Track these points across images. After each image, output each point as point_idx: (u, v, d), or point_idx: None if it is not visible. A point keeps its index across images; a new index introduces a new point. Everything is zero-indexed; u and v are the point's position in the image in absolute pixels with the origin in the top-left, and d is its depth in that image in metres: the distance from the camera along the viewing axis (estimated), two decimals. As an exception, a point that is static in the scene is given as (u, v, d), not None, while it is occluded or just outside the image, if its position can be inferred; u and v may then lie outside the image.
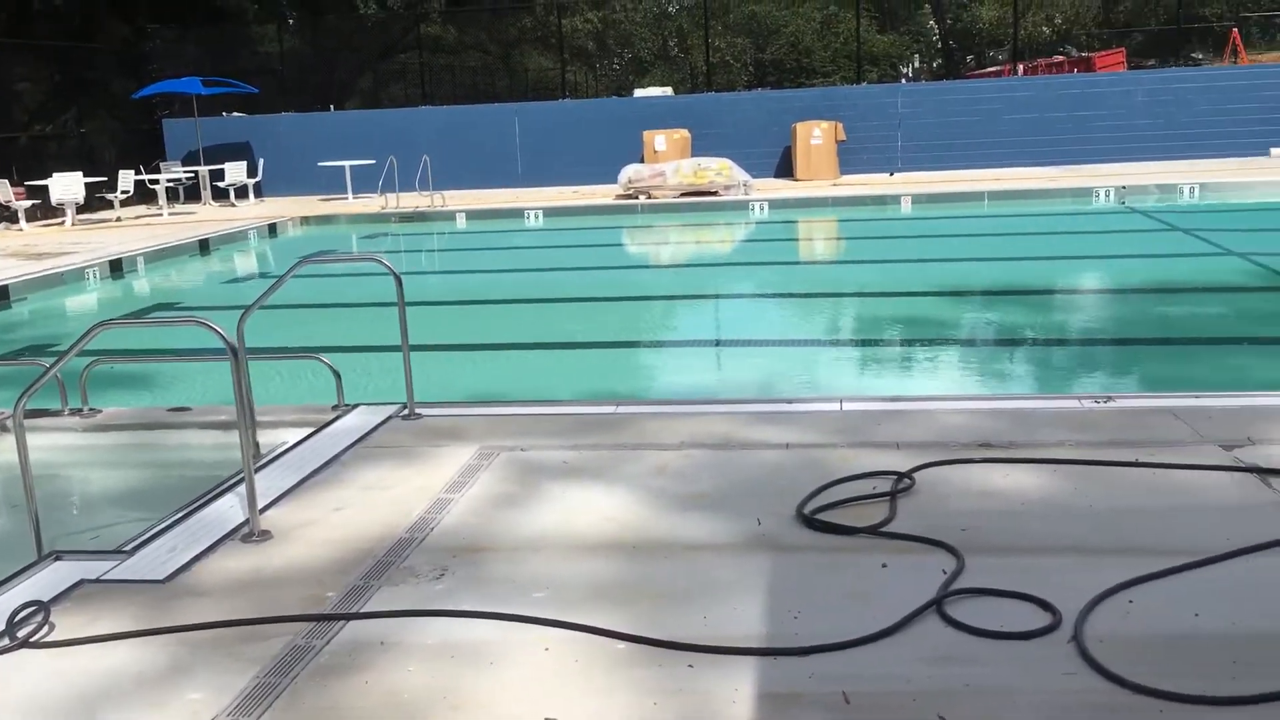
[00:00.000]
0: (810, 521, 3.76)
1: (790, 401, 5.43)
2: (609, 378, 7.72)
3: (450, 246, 16.02)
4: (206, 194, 20.23)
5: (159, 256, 13.78)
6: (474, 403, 5.76)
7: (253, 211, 18.45)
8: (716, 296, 11.23)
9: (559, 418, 5.22)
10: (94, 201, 18.64)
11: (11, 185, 16.83)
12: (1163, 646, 2.84)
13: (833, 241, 15.74)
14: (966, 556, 3.40)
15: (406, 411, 5.30)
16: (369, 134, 20.80)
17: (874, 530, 3.67)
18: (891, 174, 19.35)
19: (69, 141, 21.56)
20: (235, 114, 23.01)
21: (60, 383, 5.50)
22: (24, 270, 12.10)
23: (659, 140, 19.32)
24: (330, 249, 14.32)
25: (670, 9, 43.06)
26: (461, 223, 16.96)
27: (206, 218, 17.67)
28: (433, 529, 3.86)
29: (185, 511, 4.15)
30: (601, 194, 18.32)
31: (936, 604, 3.10)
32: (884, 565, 3.41)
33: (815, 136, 19.04)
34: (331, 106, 25.88)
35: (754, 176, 18.04)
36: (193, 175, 20.13)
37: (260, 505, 4.01)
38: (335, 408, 5.45)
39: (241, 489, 4.09)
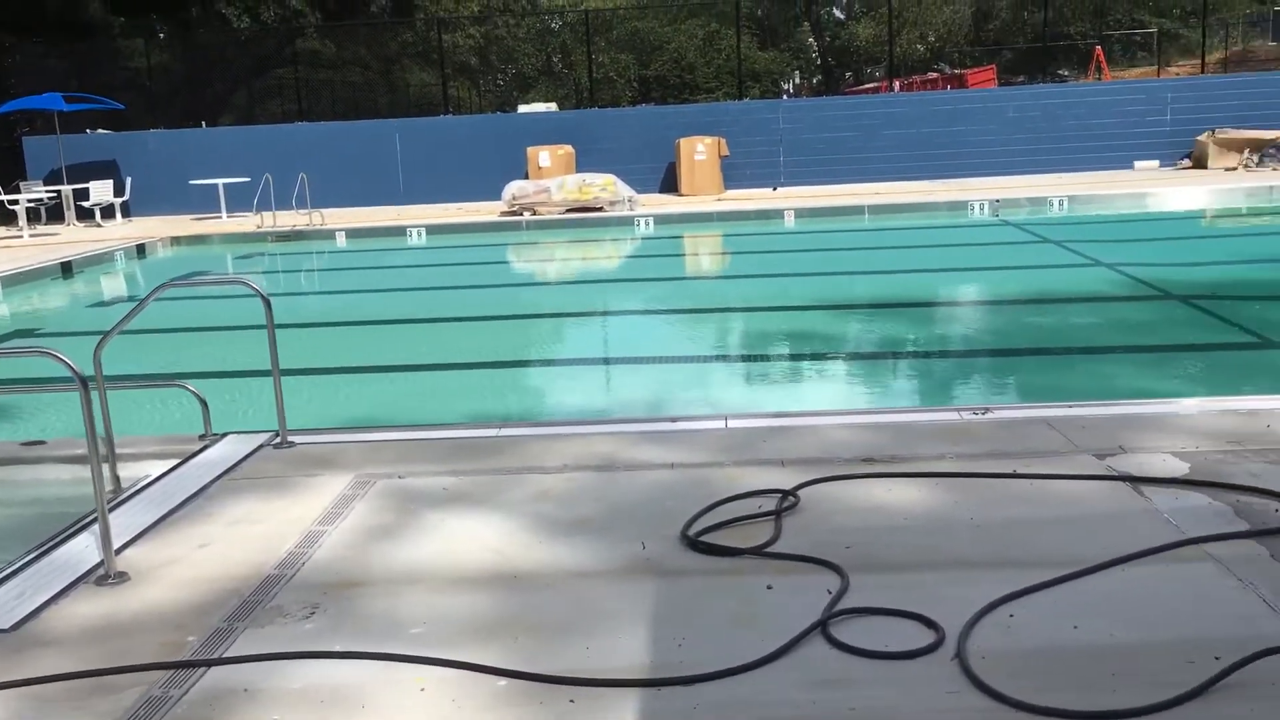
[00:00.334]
0: (695, 544, 3.69)
1: (675, 420, 5.38)
2: (492, 399, 7.59)
3: (329, 266, 15.66)
4: (70, 214, 19.42)
5: (17, 281, 13.16)
6: (350, 428, 5.57)
7: (120, 232, 17.77)
8: (603, 314, 11.17)
9: (439, 442, 5.08)
10: (-52, 223, 17.76)
11: None
12: (1043, 660, 2.84)
13: (718, 256, 15.84)
14: (851, 575, 3.38)
15: (278, 440, 5.09)
16: (244, 151, 20.25)
17: (759, 551, 3.63)
18: (775, 189, 19.59)
19: (-79, 161, 20.54)
20: (101, 130, 22.17)
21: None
22: None
23: (543, 156, 19.23)
24: (203, 270, 13.87)
25: (553, 25, 43.05)
26: (341, 241, 16.60)
27: (70, 239, 16.96)
28: (303, 564, 3.69)
29: (35, 553, 3.90)
30: (485, 211, 18.14)
31: (821, 625, 3.06)
32: (769, 587, 3.36)
33: (699, 152, 19.16)
34: (204, 123, 25.14)
35: (639, 192, 18.07)
36: (55, 195, 19.28)
37: (117, 544, 3.79)
38: (202, 437, 5.22)
39: (98, 528, 3.86)
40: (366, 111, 33.66)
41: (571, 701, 2.75)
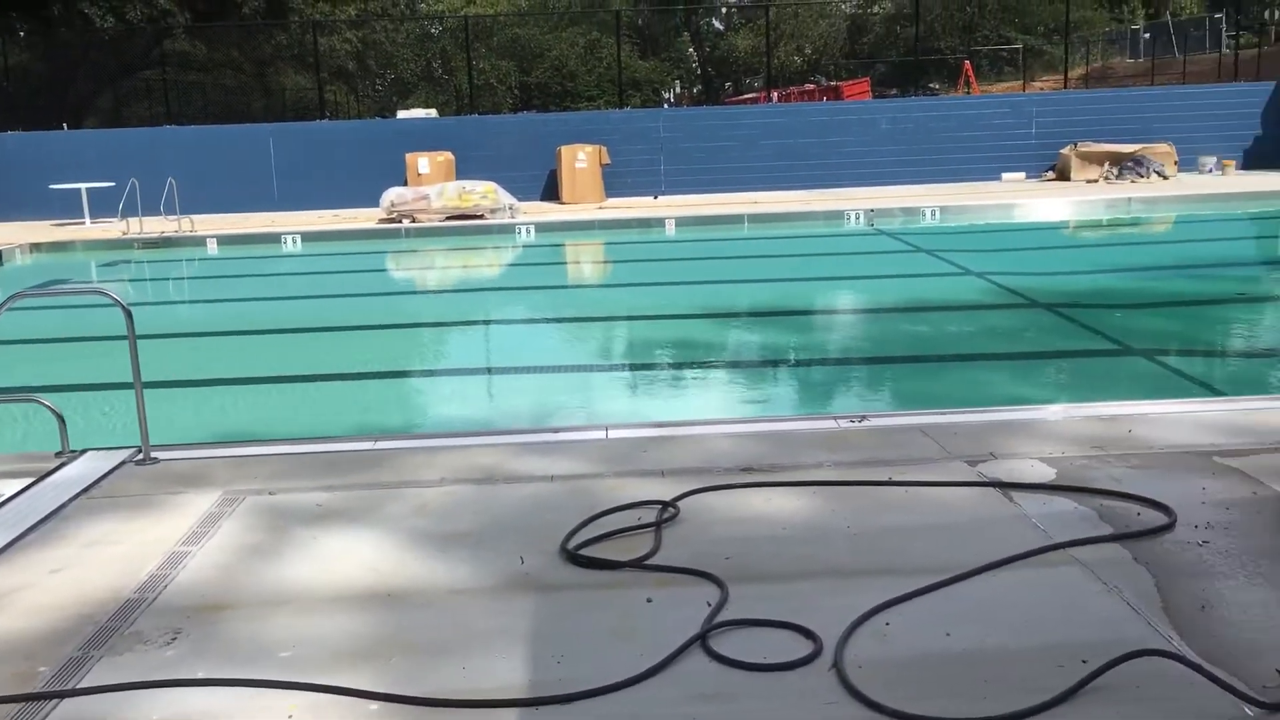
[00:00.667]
0: (574, 557, 3.65)
1: (556, 431, 5.33)
2: (369, 411, 7.42)
3: (200, 274, 15.17)
4: (-80, 219, 18.45)
5: None
6: (218, 443, 5.38)
7: (-25, 238, 16.93)
8: (484, 323, 11.05)
9: (312, 457, 4.94)
10: None
11: None
12: (918, 668, 2.88)
13: (600, 265, 15.84)
14: (731, 585, 3.37)
15: (141, 456, 4.88)
16: (109, 155, 19.49)
17: (638, 563, 3.60)
18: (656, 197, 19.68)
19: None
20: (-47, 132, 21.15)
21: None
22: None
23: (422, 163, 18.97)
24: (64, 278, 13.29)
25: (433, 30, 42.59)
26: (213, 249, 16.11)
27: (-80, 245, 16.08)
28: (166, 587, 3.53)
29: None
30: (364, 218, 17.80)
31: (701, 638, 3.05)
32: (649, 600, 3.34)
33: (580, 160, 19.14)
34: (66, 125, 24.15)
35: (520, 199, 17.96)
36: (-96, 198, 18.31)
37: (-38, 571, 3.58)
38: (59, 455, 4.97)
39: (-60, 554, 3.64)
40: (239, 115, 32.75)
41: (447, 724, 2.68)
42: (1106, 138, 19.85)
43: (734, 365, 8.57)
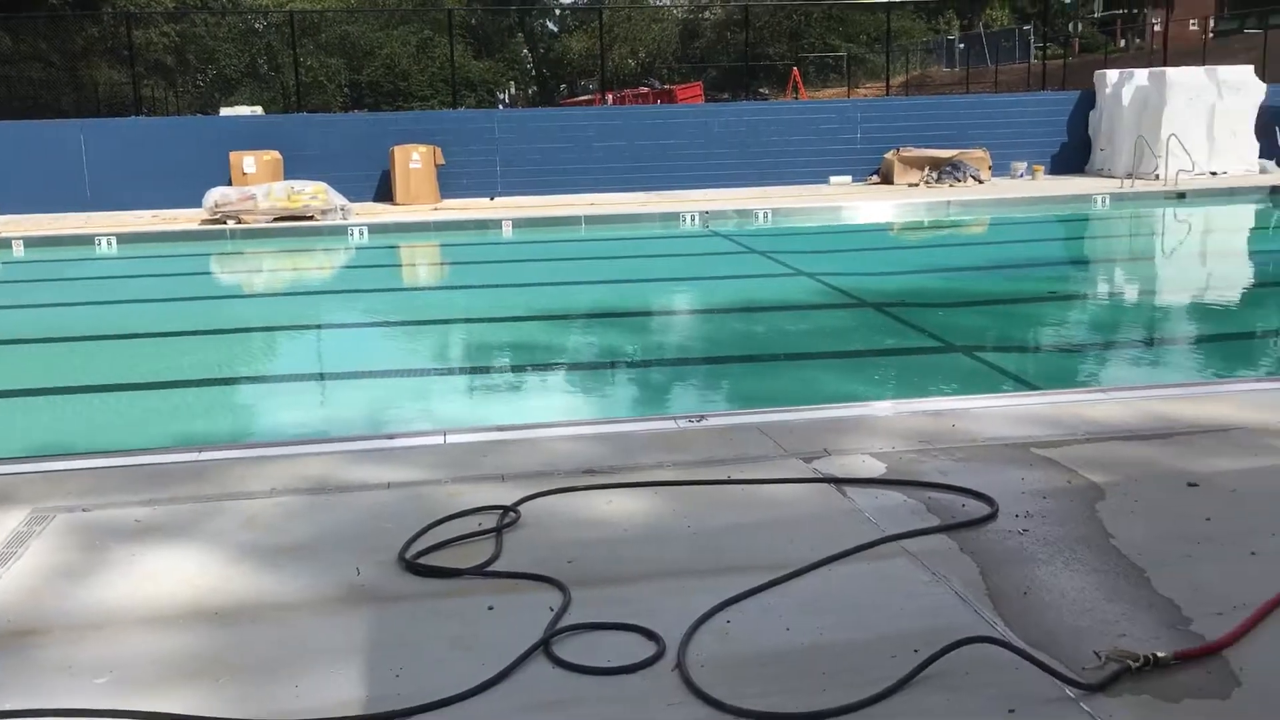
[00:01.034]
0: (413, 566, 3.56)
1: (392, 436, 5.20)
2: (192, 421, 7.11)
3: (3, 279, 14.28)
4: None
5: None
6: (25, 458, 5.05)
7: None
8: (315, 327, 10.73)
9: (131, 469, 4.69)
10: None
11: None
12: (759, 665, 2.91)
13: (436, 267, 15.60)
14: (573, 590, 3.35)
15: (-61, 474, 4.55)
16: (-100, 150, 18.17)
17: (479, 570, 3.54)
18: (492, 198, 19.51)
19: None
20: None
21: None
22: None
23: (248, 162, 18.32)
24: None
25: (257, 25, 41.25)
26: (18, 251, 15.19)
27: None
28: (-33, 615, 3.29)
29: None
30: (185, 219, 17.08)
31: (543, 644, 3.01)
32: (490, 607, 3.28)
33: (414, 160, 18.82)
34: None
35: (352, 200, 17.53)
36: None
37: None
38: None
39: None
40: (48, 110, 31.01)
41: (280, 746, 2.58)
42: (927, 143, 20.65)
43: (573, 367, 8.56)
